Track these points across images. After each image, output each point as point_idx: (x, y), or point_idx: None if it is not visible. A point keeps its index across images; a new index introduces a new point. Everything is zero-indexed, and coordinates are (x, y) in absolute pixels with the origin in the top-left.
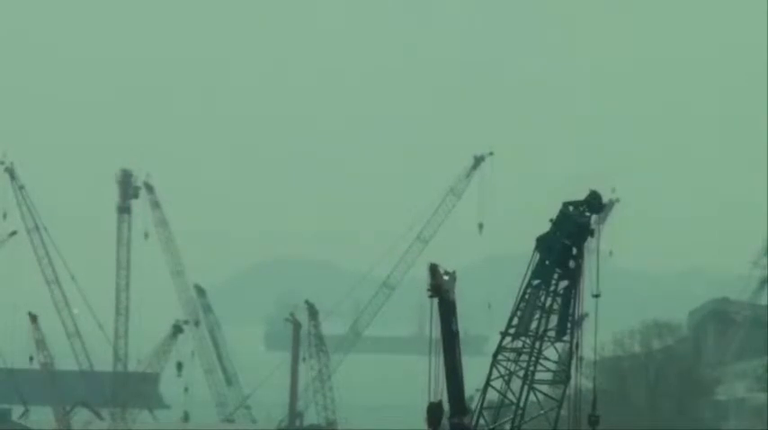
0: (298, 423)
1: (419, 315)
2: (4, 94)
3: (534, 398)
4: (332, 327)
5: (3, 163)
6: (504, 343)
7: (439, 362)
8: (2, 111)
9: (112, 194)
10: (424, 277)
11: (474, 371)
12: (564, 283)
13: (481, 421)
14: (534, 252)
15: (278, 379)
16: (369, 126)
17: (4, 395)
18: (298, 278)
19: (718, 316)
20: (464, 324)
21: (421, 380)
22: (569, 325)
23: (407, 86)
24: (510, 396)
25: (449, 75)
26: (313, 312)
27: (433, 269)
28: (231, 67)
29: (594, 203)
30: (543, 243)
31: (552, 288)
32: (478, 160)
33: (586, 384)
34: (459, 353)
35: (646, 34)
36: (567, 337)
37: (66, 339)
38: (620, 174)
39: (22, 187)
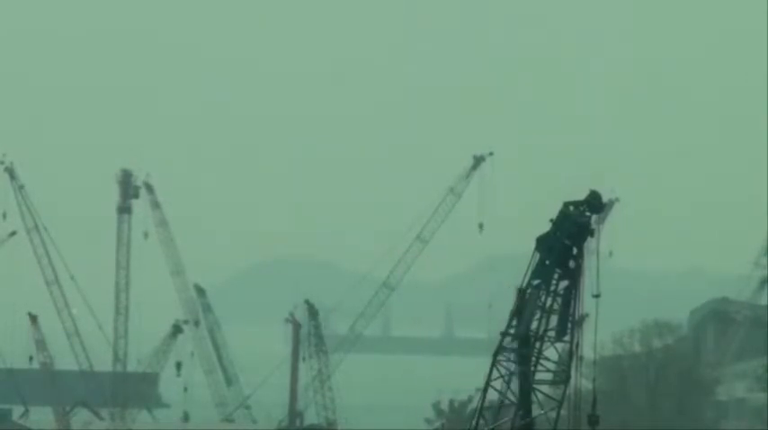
0: (298, 423)
1: (447, 317)
2: (4, 93)
3: (534, 398)
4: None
5: (3, 163)
6: (505, 343)
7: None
8: (2, 111)
9: (112, 194)
10: (423, 278)
11: (474, 372)
12: (564, 283)
13: (481, 421)
14: (534, 252)
15: (278, 379)
16: (369, 126)
17: (4, 395)
18: (298, 278)
19: (718, 316)
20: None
21: (435, 380)
22: (569, 325)
23: (407, 86)
24: (510, 396)
25: (449, 75)
26: (313, 312)
27: (522, 294)
28: (231, 66)
29: (594, 203)
30: (543, 243)
31: (552, 288)
32: (478, 160)
33: (586, 384)
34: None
35: (646, 34)
36: (567, 337)
37: (66, 339)
38: (620, 174)
39: (22, 187)
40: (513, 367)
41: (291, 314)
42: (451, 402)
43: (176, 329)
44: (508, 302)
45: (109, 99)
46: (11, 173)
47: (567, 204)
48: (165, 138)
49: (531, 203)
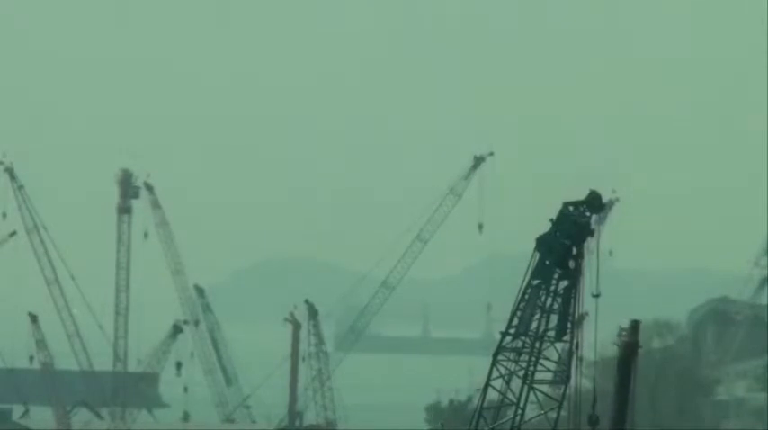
0: (297, 423)
1: (487, 317)
2: (3, 94)
3: (534, 398)
4: (398, 329)
5: (3, 163)
6: (504, 343)
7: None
8: (2, 112)
9: (112, 194)
10: (423, 277)
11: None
12: (564, 283)
13: (481, 421)
14: (534, 252)
15: (278, 379)
16: (368, 126)
17: (4, 395)
18: (298, 278)
19: (718, 315)
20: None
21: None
22: (569, 325)
23: (408, 86)
24: (510, 396)
25: (449, 75)
26: (312, 312)
27: (636, 326)
28: (231, 66)
29: (594, 203)
30: (543, 243)
31: (552, 288)
32: (478, 160)
33: (586, 384)
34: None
35: (646, 34)
36: (567, 337)
37: (66, 339)
38: (620, 174)
39: (21, 187)
40: (513, 367)
41: (291, 314)
42: (451, 402)
43: (176, 329)
44: (508, 302)
45: (109, 99)
46: (11, 173)
47: (566, 204)
48: (165, 138)
49: (531, 203)
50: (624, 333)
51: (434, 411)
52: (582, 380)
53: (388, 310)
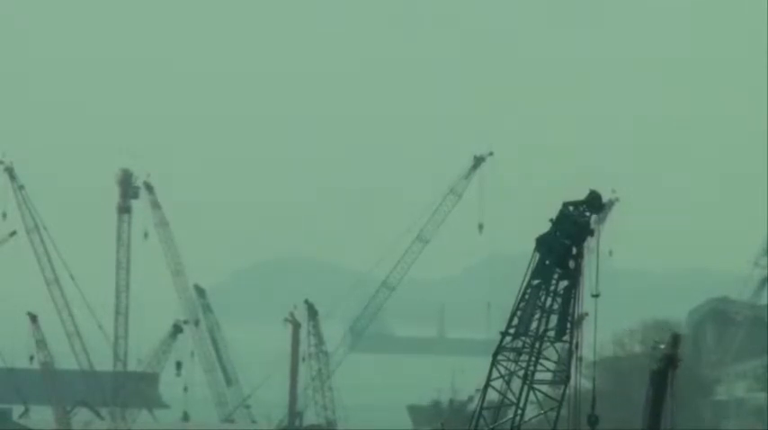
0: (297, 423)
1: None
2: (4, 94)
3: (534, 398)
4: (414, 330)
5: (2, 163)
6: (504, 343)
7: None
8: (2, 112)
9: (112, 194)
10: (423, 277)
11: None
12: (564, 283)
13: (481, 421)
14: (534, 252)
15: (278, 379)
16: (368, 126)
17: (4, 395)
18: (298, 278)
19: (718, 315)
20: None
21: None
22: (569, 325)
23: (408, 86)
24: (510, 396)
25: (449, 75)
26: (312, 312)
27: (677, 339)
28: (231, 66)
29: (594, 203)
30: (543, 243)
31: (552, 288)
32: (478, 160)
33: (586, 384)
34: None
35: (646, 34)
36: (566, 337)
37: (66, 339)
38: (620, 174)
39: (21, 187)
40: (513, 367)
41: (291, 314)
42: (451, 402)
43: (176, 329)
44: (508, 302)
45: (109, 99)
46: (11, 173)
47: (566, 204)
48: (165, 138)
49: (531, 203)
50: (662, 345)
51: (417, 411)
52: (581, 381)
53: (401, 311)
